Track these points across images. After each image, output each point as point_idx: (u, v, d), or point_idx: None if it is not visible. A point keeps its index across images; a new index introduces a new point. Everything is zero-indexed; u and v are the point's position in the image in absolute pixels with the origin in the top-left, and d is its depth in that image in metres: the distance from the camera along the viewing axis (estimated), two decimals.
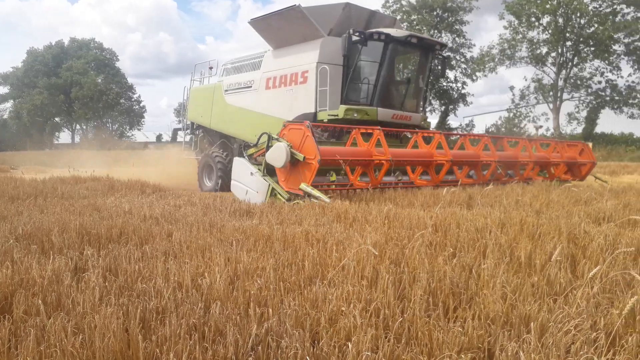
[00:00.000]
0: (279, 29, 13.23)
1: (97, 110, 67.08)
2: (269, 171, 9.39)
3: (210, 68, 17.16)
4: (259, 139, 9.84)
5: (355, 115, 11.49)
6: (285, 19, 12.79)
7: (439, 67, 14.02)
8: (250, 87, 14.44)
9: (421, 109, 13.89)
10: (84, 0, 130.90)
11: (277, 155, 8.85)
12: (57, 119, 70.77)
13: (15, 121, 66.09)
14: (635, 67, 34.86)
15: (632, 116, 35.15)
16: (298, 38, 12.82)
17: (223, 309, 2.99)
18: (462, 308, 3.11)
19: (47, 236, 4.95)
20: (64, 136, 73.72)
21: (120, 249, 4.53)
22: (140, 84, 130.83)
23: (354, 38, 11.63)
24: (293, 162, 8.84)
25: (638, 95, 35.39)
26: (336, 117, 11.53)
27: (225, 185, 14.03)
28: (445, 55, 14.02)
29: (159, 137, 70.93)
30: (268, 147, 9.21)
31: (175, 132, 21.13)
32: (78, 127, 72.16)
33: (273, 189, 9.03)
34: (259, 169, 9.42)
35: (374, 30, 11.89)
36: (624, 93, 35.50)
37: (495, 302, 3.02)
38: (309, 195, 8.27)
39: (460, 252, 4.26)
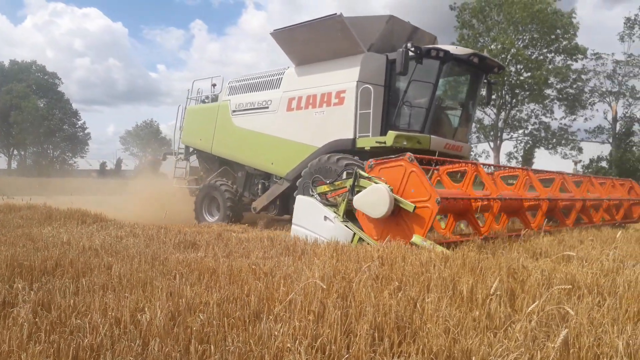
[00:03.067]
0: (308, 42, 11.56)
1: (37, 135, 64.23)
2: (347, 214, 7.73)
3: (214, 85, 15.41)
4: (340, 175, 8.41)
5: (405, 143, 9.91)
6: (319, 30, 11.17)
7: (484, 93, 12.32)
8: (267, 107, 12.64)
9: (468, 139, 12.35)
10: (29, 21, 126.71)
11: (375, 200, 6.90)
12: None
13: None
14: (567, 110, 37.35)
15: (565, 156, 37.41)
16: (332, 53, 11.23)
17: (162, 346, 2.87)
18: (406, 342, 3.13)
19: None
20: (0, 161, 69.91)
21: (55, 282, 4.29)
22: (87, 110, 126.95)
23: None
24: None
25: (569, 136, 37.80)
26: (382, 145, 9.96)
27: (236, 217, 12.91)
28: (493, 80, 12.39)
29: (102, 165, 68.50)
30: (353, 188, 7.43)
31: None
32: (16, 152, 68.71)
33: (361, 239, 7.21)
34: (336, 213, 7.65)
35: (430, 46, 10.38)
36: (557, 134, 37.83)
37: (438, 336, 3.07)
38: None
39: (405, 286, 4.31)
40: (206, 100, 15.56)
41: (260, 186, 12.99)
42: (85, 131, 72.59)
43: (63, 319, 3.34)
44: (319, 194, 8.18)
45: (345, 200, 7.53)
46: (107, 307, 3.57)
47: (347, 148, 10.49)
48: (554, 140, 37.80)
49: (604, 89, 38.41)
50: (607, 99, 38.72)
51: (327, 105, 11.12)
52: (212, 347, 2.87)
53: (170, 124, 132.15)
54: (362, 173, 7.45)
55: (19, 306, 3.50)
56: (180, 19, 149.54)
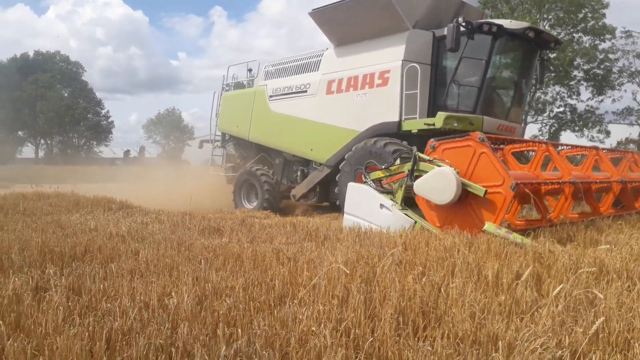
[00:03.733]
0: (350, 21, 11.02)
1: (62, 124, 65.53)
2: (405, 201, 7.27)
3: (249, 70, 14.89)
4: (395, 159, 7.79)
5: (456, 125, 9.30)
6: (362, 8, 10.65)
7: (536, 71, 11.38)
8: (305, 91, 12.19)
9: (522, 119, 11.60)
10: (51, 11, 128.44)
11: (439, 185, 6.36)
12: (20, 132, 68.79)
13: None
14: (594, 91, 36.36)
15: (592, 139, 36.53)
16: (375, 31, 10.69)
17: (191, 330, 2.92)
18: (431, 327, 3.13)
19: (7, 254, 4.77)
20: (28, 150, 71.62)
21: (85, 267, 4.41)
22: (110, 98, 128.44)
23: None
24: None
25: (597, 118, 36.84)
26: (431, 128, 9.39)
27: (273, 206, 12.62)
28: (546, 57, 11.38)
29: (126, 153, 69.61)
30: (412, 172, 6.89)
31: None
32: (42, 141, 70.27)
33: (422, 227, 6.67)
34: (393, 201, 7.18)
35: (483, 20, 9.73)
36: (583, 116, 36.92)
37: (463, 321, 3.06)
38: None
39: (429, 271, 4.30)
40: (246, 85, 15.11)
41: (299, 173, 12.68)
42: (109, 120, 73.81)
43: (94, 303, 3.43)
44: (372, 181, 7.69)
45: (404, 186, 7.05)
46: (136, 291, 3.65)
47: (393, 131, 10.02)
48: (580, 122, 36.88)
49: (633, 69, 37.27)
50: (637, 79, 37.59)
51: (370, 87, 10.61)
52: (239, 330, 2.91)
53: (192, 111, 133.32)
54: (422, 156, 6.89)
55: (51, 290, 3.60)
56: (199, 6, 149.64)
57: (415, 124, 9.77)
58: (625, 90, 37.97)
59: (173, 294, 3.57)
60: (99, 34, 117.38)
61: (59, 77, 68.52)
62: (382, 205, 7.22)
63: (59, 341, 2.52)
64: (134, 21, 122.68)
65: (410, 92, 9.85)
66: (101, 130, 72.15)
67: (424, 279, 3.92)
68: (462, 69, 9.82)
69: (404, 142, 9.78)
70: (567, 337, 2.88)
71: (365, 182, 7.85)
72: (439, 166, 6.52)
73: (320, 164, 11.72)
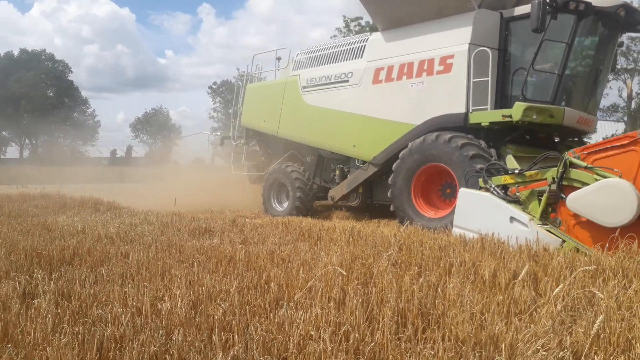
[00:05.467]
0: (404, 1, 9.86)
1: (47, 124, 64.65)
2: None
3: (278, 59, 13.27)
4: (534, 164, 6.62)
5: (535, 117, 8.19)
6: None
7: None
8: (347, 81, 10.81)
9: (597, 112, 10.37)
10: (36, 9, 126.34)
11: (610, 203, 5.24)
12: (4, 132, 67.72)
13: None
14: None
15: None
16: (434, 12, 9.51)
17: (186, 336, 2.85)
18: (430, 329, 3.08)
19: None
20: (12, 151, 70.54)
21: (74, 271, 4.30)
22: (97, 97, 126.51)
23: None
24: None
25: None
26: (505, 121, 8.34)
27: (304, 209, 11.34)
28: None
29: (113, 153, 68.90)
30: (560, 182, 5.87)
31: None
32: (27, 141, 69.26)
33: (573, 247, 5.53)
34: (529, 213, 6.08)
35: None
36: None
37: (463, 322, 3.01)
38: None
39: (425, 271, 4.26)
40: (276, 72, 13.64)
41: (337, 172, 11.26)
42: (95, 119, 72.97)
43: (84, 309, 3.34)
44: (496, 187, 6.56)
45: (545, 196, 5.98)
46: (127, 296, 3.56)
47: (457, 125, 8.75)
48: None
49: (618, 66, 37.63)
50: (622, 77, 37.90)
51: (429, 75, 9.32)
52: (235, 336, 2.84)
53: (180, 110, 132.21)
54: (577, 162, 5.80)
55: (39, 297, 3.49)
56: (187, 3, 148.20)
57: (486, 116, 8.52)
58: (610, 87, 38.25)
59: (166, 298, 3.49)
60: (84, 31, 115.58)
61: (43, 77, 67.57)
62: (512, 219, 6.08)
63: (49, 351, 2.43)
64: (121, 19, 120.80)
65: (479, 80, 8.61)
66: (87, 129, 71.28)
67: (420, 280, 3.88)
68: (541, 53, 8.55)
69: (469, 136, 8.60)
70: (568, 337, 2.86)
71: (489, 189, 6.66)
72: (604, 176, 5.43)
73: (365, 162, 10.40)
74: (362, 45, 10.81)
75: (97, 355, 2.51)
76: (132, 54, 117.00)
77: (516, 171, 6.55)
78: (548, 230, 5.81)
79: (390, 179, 9.18)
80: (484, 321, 3.09)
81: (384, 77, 10.08)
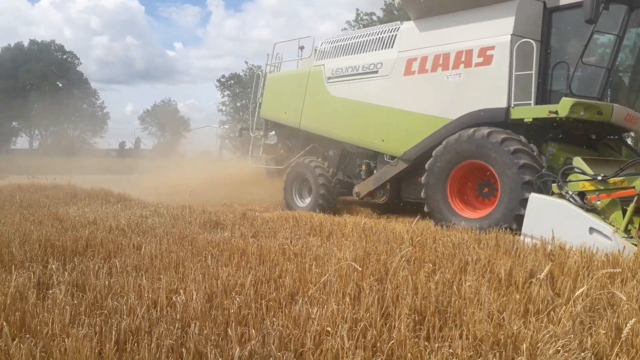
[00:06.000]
0: None
1: (57, 115, 65.02)
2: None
3: (301, 48, 12.66)
4: (621, 170, 6.20)
5: (582, 113, 7.74)
6: None
7: None
8: (376, 72, 10.31)
9: None
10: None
11: None
12: (14, 123, 68.19)
13: None
14: None
15: None
16: (470, 1, 9.10)
17: (202, 329, 2.83)
18: (447, 327, 3.05)
19: (8, 248, 4.66)
20: (22, 141, 71.04)
21: (88, 262, 4.30)
22: (106, 89, 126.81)
23: None
24: None
25: None
26: (550, 117, 7.85)
27: (329, 203, 10.94)
28: None
29: (121, 144, 69.22)
30: None
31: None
32: (37, 132, 69.70)
33: None
34: (611, 225, 5.64)
35: None
36: None
37: (482, 321, 2.98)
38: None
39: (440, 269, 4.22)
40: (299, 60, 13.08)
41: (363, 167, 10.76)
42: (104, 110, 73.27)
43: (99, 301, 3.34)
44: (573, 194, 6.06)
45: (632, 206, 5.54)
46: (142, 288, 3.55)
47: (496, 120, 8.29)
48: None
49: None
50: None
51: (466, 67, 8.80)
52: (252, 330, 2.82)
53: (188, 102, 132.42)
54: None
55: (55, 287, 3.49)
56: None
57: (529, 112, 8.05)
58: None
59: (181, 291, 3.48)
60: (94, 23, 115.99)
61: (53, 68, 67.87)
62: (592, 229, 5.61)
63: (67, 343, 2.42)
64: (130, 10, 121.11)
65: (521, 73, 8.14)
66: (96, 121, 71.61)
67: (436, 277, 3.84)
68: (589, 46, 8.06)
69: (508, 132, 8.18)
70: (588, 338, 2.81)
71: (558, 194, 6.25)
72: None
73: (394, 158, 9.92)
74: (392, 35, 10.30)
75: (115, 347, 2.50)
76: (141, 45, 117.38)
77: (599, 177, 6.10)
78: (634, 244, 5.30)
79: (423, 177, 8.70)
80: (502, 320, 3.05)
81: (416, 68, 9.59)
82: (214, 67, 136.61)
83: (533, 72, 8.02)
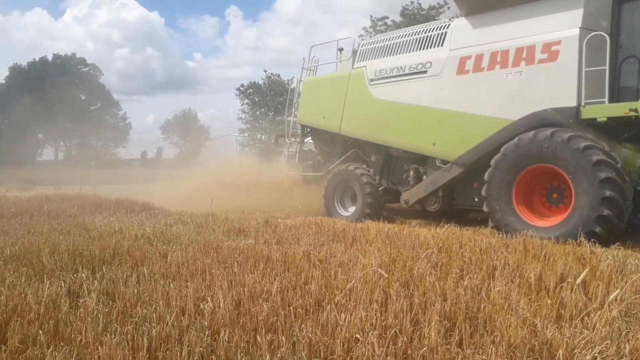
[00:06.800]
0: None
1: (81, 127, 66.38)
2: None
3: (340, 50, 12.15)
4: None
5: None
6: None
7: None
8: (425, 72, 9.80)
9: None
10: (68, 14, 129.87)
11: None
12: (40, 135, 69.81)
13: None
14: None
15: None
16: None
17: (231, 336, 2.83)
18: (479, 333, 3.00)
19: (38, 257, 4.75)
20: (47, 152, 72.64)
21: (116, 270, 4.35)
22: (127, 100, 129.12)
23: None
24: None
25: None
26: (631, 115, 7.25)
27: (377, 212, 10.27)
28: None
29: (143, 154, 70.21)
30: None
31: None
32: (62, 143, 71.20)
33: None
34: None
35: None
36: None
37: (515, 327, 2.92)
38: None
39: (467, 274, 4.16)
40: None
41: (412, 173, 10.12)
42: (126, 121, 74.46)
43: (129, 309, 3.37)
44: None
45: None
46: (170, 296, 3.57)
47: (565, 120, 7.71)
48: None
49: None
50: None
51: (528, 64, 8.24)
52: (282, 337, 2.81)
53: (208, 112, 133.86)
54: None
55: (86, 296, 3.54)
56: (214, 6, 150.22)
57: (603, 110, 7.46)
58: None
59: (208, 298, 3.49)
60: (115, 36, 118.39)
61: (76, 81, 69.38)
62: None
63: (101, 351, 2.44)
64: (150, 22, 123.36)
65: (592, 69, 7.56)
66: (118, 132, 72.85)
67: (464, 283, 3.79)
68: None
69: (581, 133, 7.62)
70: (627, 344, 2.73)
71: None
72: None
73: (447, 162, 9.31)
74: (442, 33, 9.74)
75: (147, 355, 2.51)
76: (161, 57, 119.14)
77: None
78: None
79: (483, 190, 8.12)
80: (535, 326, 2.98)
81: (471, 67, 9.04)
82: (233, 77, 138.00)
83: (607, 67, 7.44)
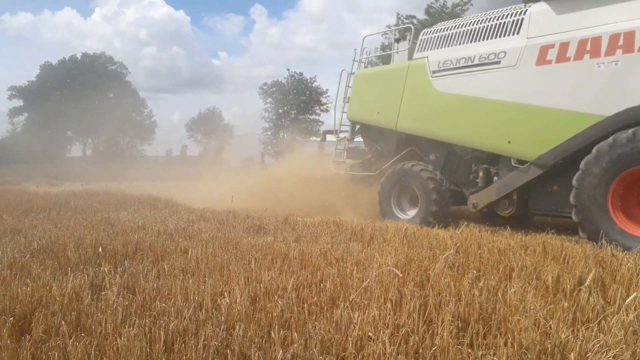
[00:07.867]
0: None
1: (108, 124, 67.79)
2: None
3: (397, 40, 11.34)
4: None
5: None
6: None
7: None
8: (498, 62, 8.92)
9: None
10: (97, 13, 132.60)
11: None
12: (69, 132, 71.54)
13: (28, 134, 66.89)
14: None
15: None
16: None
17: (246, 332, 2.90)
18: (492, 334, 2.99)
19: (63, 251, 4.90)
20: (75, 149, 74.41)
21: (137, 265, 4.47)
22: (154, 98, 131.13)
23: None
24: None
25: None
26: None
27: (439, 219, 9.30)
28: None
29: (168, 152, 71.36)
30: None
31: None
32: (90, 140, 72.81)
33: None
34: None
35: None
36: None
37: (528, 329, 2.91)
38: None
39: (484, 275, 4.15)
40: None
41: (481, 174, 9.21)
42: (152, 119, 75.72)
43: (148, 302, 3.46)
44: None
45: None
46: (188, 291, 3.66)
47: None
48: None
49: None
50: None
51: (626, 52, 7.31)
52: (294, 333, 2.87)
53: (233, 110, 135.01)
54: None
55: (107, 289, 3.66)
56: (239, 5, 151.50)
57: None
58: None
59: (225, 294, 3.57)
60: (142, 34, 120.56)
61: (104, 78, 70.85)
62: None
63: (119, 342, 2.54)
64: (176, 21, 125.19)
65: None
66: (144, 129, 74.15)
67: (480, 284, 3.78)
68: None
69: None
70: None
71: None
72: None
73: (524, 162, 8.41)
74: (517, 19, 8.83)
75: (164, 348, 2.60)
76: (187, 55, 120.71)
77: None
78: None
79: (572, 197, 7.25)
80: (548, 328, 2.97)
81: (554, 56, 8.12)
82: (257, 75, 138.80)
83: None
